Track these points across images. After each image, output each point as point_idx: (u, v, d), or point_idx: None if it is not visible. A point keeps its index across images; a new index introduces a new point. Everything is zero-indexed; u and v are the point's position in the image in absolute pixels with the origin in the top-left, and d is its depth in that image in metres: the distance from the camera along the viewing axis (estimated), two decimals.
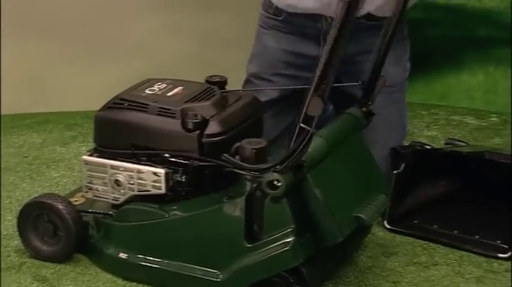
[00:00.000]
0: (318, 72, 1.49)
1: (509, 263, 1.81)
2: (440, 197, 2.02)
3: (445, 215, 1.96)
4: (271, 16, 2.08)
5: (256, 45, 2.14)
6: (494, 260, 1.82)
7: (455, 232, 1.91)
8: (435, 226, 1.93)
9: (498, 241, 1.86)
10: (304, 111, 1.50)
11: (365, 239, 1.88)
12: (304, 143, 1.50)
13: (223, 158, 1.57)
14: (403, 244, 1.90)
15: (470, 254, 1.85)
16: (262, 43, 2.11)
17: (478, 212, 1.97)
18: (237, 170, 1.56)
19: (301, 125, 1.50)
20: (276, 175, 1.51)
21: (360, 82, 1.76)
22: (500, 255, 1.82)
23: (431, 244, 1.89)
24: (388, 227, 1.94)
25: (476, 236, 1.88)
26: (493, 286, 1.74)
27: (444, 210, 1.98)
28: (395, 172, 1.95)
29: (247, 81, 2.13)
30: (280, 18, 2.07)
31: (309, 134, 1.49)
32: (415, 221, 1.95)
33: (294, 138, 1.51)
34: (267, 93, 2.07)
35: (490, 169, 1.99)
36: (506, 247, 1.83)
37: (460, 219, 1.95)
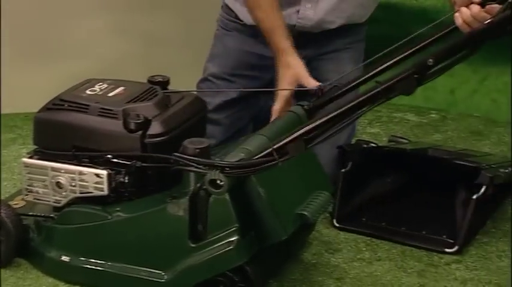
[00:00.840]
0: (316, 122, 1.51)
1: (450, 256, 1.85)
2: (387, 194, 2.05)
3: (392, 212, 2.00)
4: (233, 19, 2.10)
5: (216, 45, 2.15)
6: (435, 254, 1.86)
7: (403, 228, 1.94)
8: (383, 223, 1.96)
9: (444, 236, 1.89)
10: (284, 142, 1.51)
11: (309, 236, 1.89)
12: (265, 166, 1.50)
13: (173, 157, 1.56)
14: (346, 240, 1.92)
15: (412, 249, 1.88)
16: (224, 44, 2.12)
17: (424, 208, 2.01)
18: (187, 168, 1.54)
19: (274, 151, 1.50)
20: (220, 175, 1.51)
21: (319, 86, 1.78)
22: (447, 250, 1.86)
23: (374, 239, 1.92)
24: (337, 225, 1.96)
25: (423, 232, 1.92)
26: (434, 278, 1.77)
27: (391, 207, 2.01)
28: (342, 170, 1.97)
29: (205, 80, 2.14)
30: (243, 22, 2.09)
31: (274, 162, 1.50)
32: (364, 219, 1.98)
33: (261, 154, 1.51)
34: (227, 92, 2.08)
35: (433, 165, 2.03)
36: (452, 241, 1.87)
37: (407, 215, 1.98)
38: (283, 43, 1.90)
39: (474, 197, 1.86)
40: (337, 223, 1.96)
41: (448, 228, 1.90)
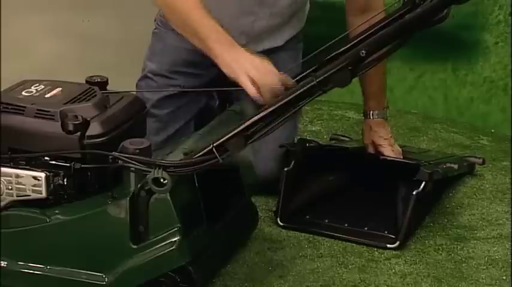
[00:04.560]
0: (255, 117, 1.51)
1: (390, 251, 1.89)
2: (330, 191, 2.07)
3: (335, 209, 2.02)
4: None
5: (156, 43, 2.14)
6: (375, 249, 1.89)
7: (346, 225, 1.96)
8: (326, 221, 1.98)
9: (385, 232, 1.92)
10: (224, 139, 1.50)
11: (252, 234, 1.90)
12: (207, 163, 1.50)
13: (111, 156, 1.55)
14: (289, 238, 1.94)
15: (353, 245, 1.91)
16: (164, 41, 2.11)
17: (366, 204, 2.04)
18: (131, 166, 1.53)
19: (214, 149, 1.49)
20: (164, 173, 1.50)
21: None
22: (389, 245, 1.89)
23: (316, 236, 1.94)
24: (281, 224, 1.96)
25: (365, 228, 1.94)
26: (374, 273, 1.80)
27: (334, 204, 2.03)
28: (285, 169, 1.98)
29: (144, 78, 2.12)
30: None
31: (215, 161, 1.49)
32: (307, 217, 1.99)
33: (201, 153, 1.51)
34: (167, 89, 2.07)
35: (375, 163, 2.07)
36: (393, 237, 1.90)
37: (349, 212, 2.01)
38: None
39: (414, 193, 1.90)
40: (281, 221, 1.97)
41: (389, 224, 1.93)
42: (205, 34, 1.72)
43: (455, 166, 2.19)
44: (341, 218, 1.98)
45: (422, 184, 1.90)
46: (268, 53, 2.11)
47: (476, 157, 2.30)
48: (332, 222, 1.97)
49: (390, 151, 2.09)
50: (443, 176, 2.04)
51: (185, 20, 1.77)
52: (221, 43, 1.70)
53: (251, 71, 1.65)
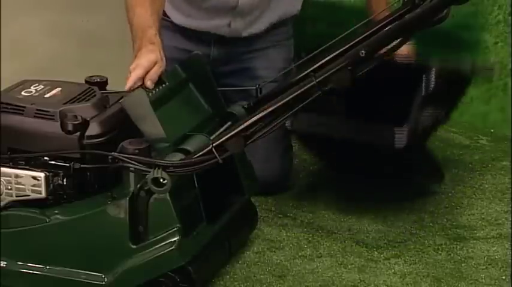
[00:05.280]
0: (254, 117, 1.51)
1: (389, 251, 1.89)
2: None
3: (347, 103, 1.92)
4: (163, 17, 2.09)
5: None
6: (374, 249, 1.89)
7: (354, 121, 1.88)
8: (336, 117, 1.90)
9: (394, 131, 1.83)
10: (224, 139, 1.51)
11: (251, 235, 1.90)
12: (207, 163, 1.50)
13: (111, 156, 1.55)
14: (288, 238, 1.94)
15: (352, 245, 1.91)
16: None
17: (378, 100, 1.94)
18: (131, 166, 1.53)
19: (213, 149, 1.50)
20: (164, 173, 1.50)
21: (257, 86, 1.79)
22: (397, 140, 1.81)
23: (316, 237, 1.94)
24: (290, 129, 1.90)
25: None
26: (374, 273, 1.80)
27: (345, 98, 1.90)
28: None
29: None
30: (170, 19, 2.09)
31: (215, 160, 1.50)
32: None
33: (201, 153, 1.52)
34: None
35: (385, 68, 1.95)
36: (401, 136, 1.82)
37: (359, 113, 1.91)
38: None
39: (423, 90, 1.84)
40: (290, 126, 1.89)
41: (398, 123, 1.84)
42: (134, 35, 1.77)
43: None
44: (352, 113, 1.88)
45: (433, 76, 1.84)
46: (258, 51, 2.12)
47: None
48: (343, 119, 1.88)
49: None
50: (456, 75, 1.96)
51: (128, 10, 1.81)
52: (139, 48, 1.72)
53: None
